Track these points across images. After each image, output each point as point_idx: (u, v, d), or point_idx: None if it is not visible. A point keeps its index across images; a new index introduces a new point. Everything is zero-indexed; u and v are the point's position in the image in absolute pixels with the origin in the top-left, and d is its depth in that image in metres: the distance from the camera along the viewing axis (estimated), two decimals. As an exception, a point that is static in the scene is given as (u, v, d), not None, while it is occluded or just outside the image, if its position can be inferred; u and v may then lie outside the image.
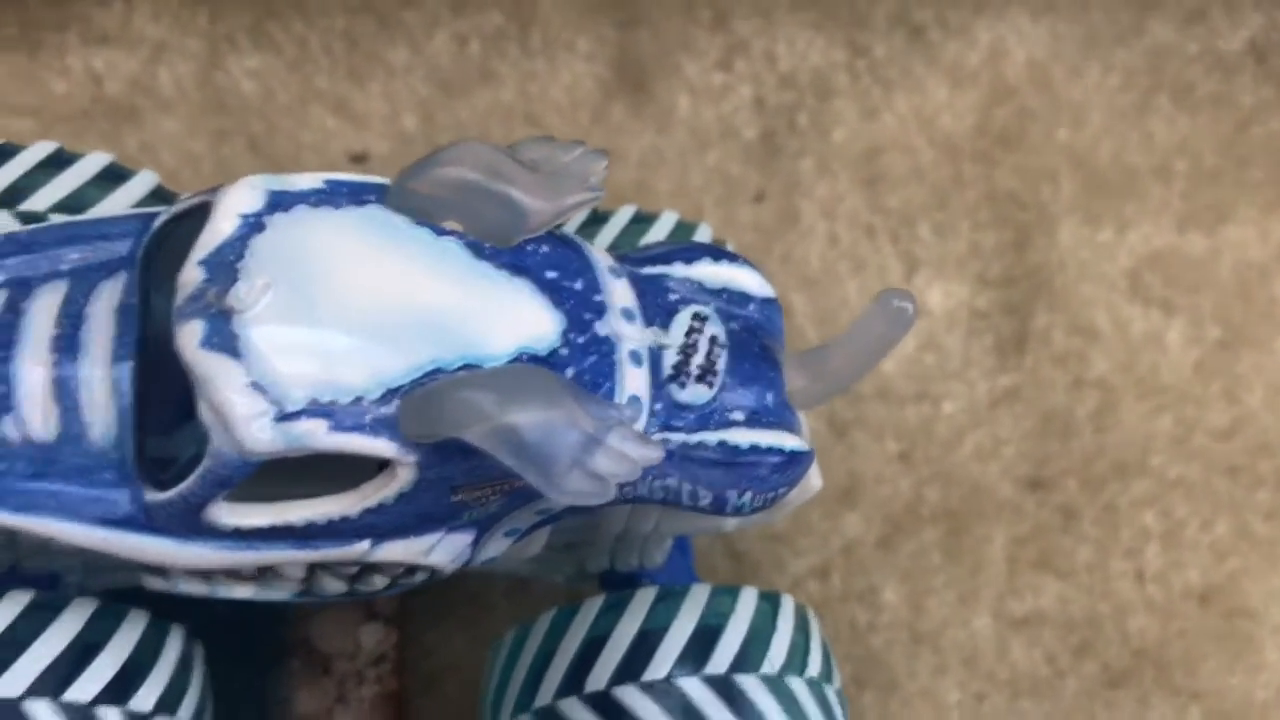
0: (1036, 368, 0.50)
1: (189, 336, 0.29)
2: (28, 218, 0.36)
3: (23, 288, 0.31)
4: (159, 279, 0.31)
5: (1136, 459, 0.48)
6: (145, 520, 0.30)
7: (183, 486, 0.29)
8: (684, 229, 0.42)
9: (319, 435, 0.29)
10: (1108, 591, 0.47)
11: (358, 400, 0.29)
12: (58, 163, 0.37)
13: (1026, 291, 0.51)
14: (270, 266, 0.29)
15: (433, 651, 0.43)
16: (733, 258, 0.36)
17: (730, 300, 0.35)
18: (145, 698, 0.32)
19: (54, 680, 0.31)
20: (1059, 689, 0.45)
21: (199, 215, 0.31)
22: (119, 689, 0.32)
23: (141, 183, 0.37)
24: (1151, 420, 0.49)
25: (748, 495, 0.33)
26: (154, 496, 0.30)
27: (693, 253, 0.35)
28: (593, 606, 0.36)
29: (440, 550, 0.31)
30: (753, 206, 0.53)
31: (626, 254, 0.35)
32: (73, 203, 0.36)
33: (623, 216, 0.42)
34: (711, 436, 0.33)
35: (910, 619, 0.45)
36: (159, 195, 0.38)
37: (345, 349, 0.29)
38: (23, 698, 0.31)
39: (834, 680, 0.37)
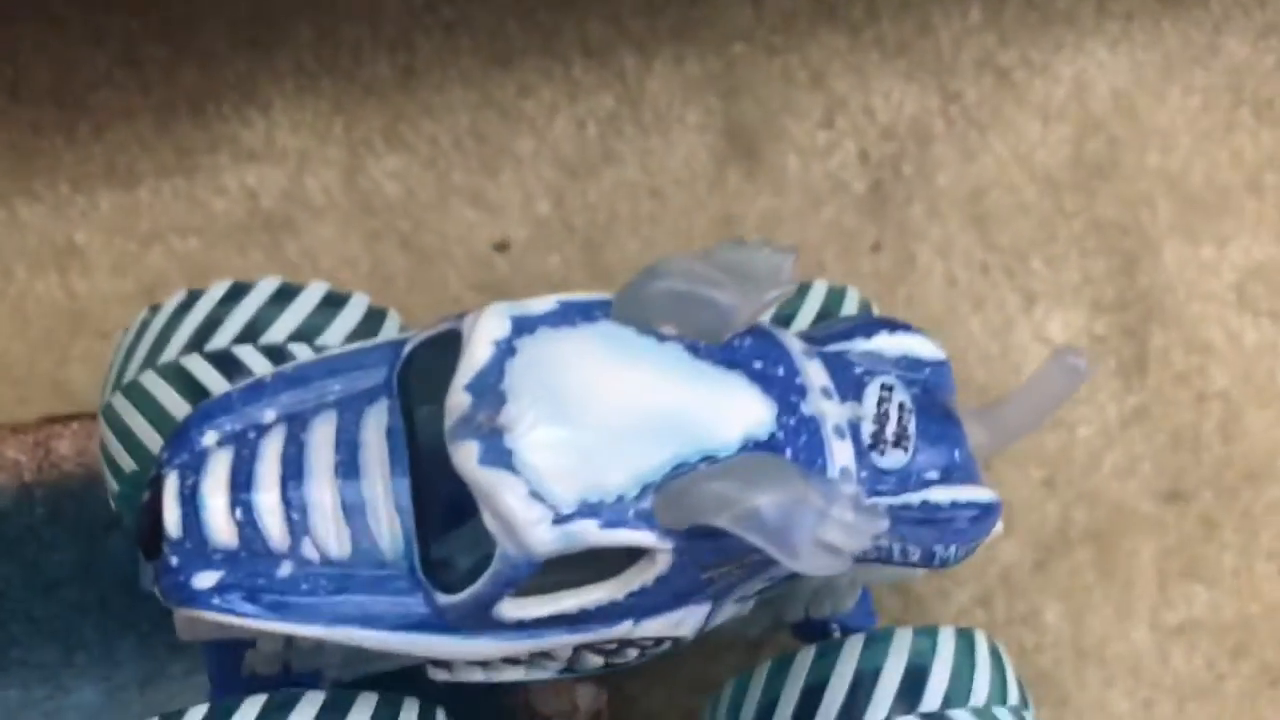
0: (1160, 387, 0.53)
1: (466, 456, 0.32)
2: (269, 350, 0.39)
3: (298, 420, 0.35)
4: (416, 399, 0.35)
5: (1266, 465, 0.51)
6: (439, 621, 0.33)
7: (475, 588, 0.33)
8: (834, 294, 0.45)
9: (592, 533, 0.32)
10: (1256, 593, 0.49)
11: (620, 499, 0.32)
12: (286, 295, 0.40)
13: (1140, 314, 0.54)
14: (529, 387, 0.33)
15: (635, 701, 0.46)
16: (906, 327, 0.39)
17: (907, 367, 0.38)
18: None
19: None
20: (1222, 691, 0.48)
21: (444, 340, 0.35)
22: None
23: (357, 305, 0.41)
24: (1276, 427, 0.52)
25: (952, 549, 0.37)
26: (447, 599, 0.33)
27: (870, 327, 0.39)
28: (806, 656, 0.39)
29: (688, 622, 0.35)
30: (871, 256, 0.56)
31: (811, 334, 0.38)
32: (305, 330, 0.40)
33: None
34: (914, 497, 0.36)
35: (1073, 636, 0.48)
36: (371, 314, 0.41)
37: (604, 454, 0.32)
38: None
39: (1030, 706, 0.40)
